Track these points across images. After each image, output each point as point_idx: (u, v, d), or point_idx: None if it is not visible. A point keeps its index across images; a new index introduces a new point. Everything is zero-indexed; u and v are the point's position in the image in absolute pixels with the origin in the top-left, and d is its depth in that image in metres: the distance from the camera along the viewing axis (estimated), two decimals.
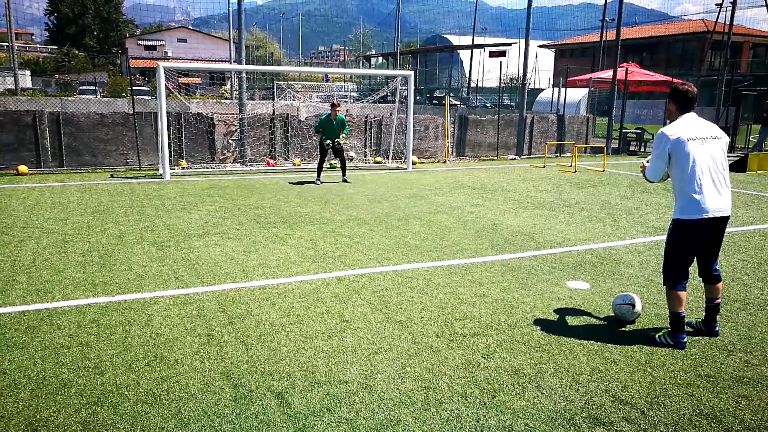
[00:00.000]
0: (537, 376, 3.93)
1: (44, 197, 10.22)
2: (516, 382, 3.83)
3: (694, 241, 4.35)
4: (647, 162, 4.56)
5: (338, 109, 12.69)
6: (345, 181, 12.78)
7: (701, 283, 4.69)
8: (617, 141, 20.26)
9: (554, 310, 5.12)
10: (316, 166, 13.14)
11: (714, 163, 4.28)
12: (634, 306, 4.83)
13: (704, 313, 4.65)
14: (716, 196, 4.26)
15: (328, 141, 12.52)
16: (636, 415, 3.45)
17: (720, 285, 4.58)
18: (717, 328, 4.61)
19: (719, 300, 4.57)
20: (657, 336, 4.49)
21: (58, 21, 75.06)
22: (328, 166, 15.11)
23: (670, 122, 4.47)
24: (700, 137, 4.28)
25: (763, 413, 3.50)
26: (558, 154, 19.31)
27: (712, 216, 4.25)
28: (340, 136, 12.66)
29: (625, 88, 20.77)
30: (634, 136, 20.67)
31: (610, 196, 11.21)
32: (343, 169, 12.97)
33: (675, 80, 23.24)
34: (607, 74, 21.39)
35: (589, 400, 3.62)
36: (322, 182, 12.57)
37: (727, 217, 4.37)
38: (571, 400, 3.61)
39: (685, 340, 4.41)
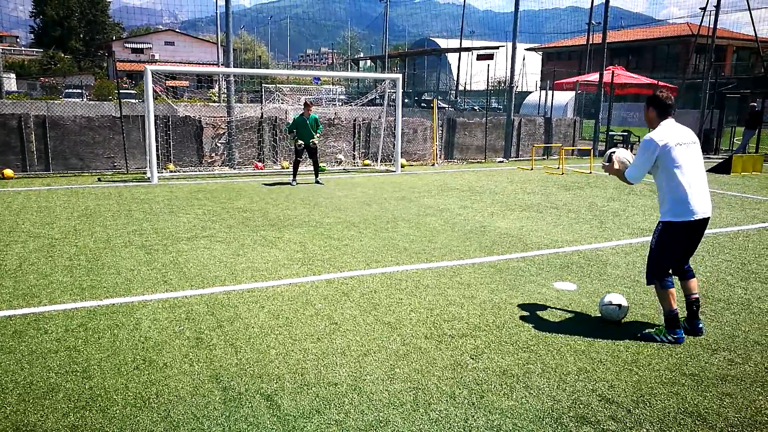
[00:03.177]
0: (525, 376, 3.96)
1: (30, 201, 10.14)
2: (504, 383, 3.86)
3: (684, 242, 4.50)
4: (608, 162, 4.75)
5: (311, 108, 12.70)
6: (317, 182, 12.83)
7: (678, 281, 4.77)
8: (604, 143, 20.43)
9: (541, 311, 5.16)
10: (305, 168, 13.15)
11: (698, 167, 4.45)
12: (620, 306, 4.88)
13: (686, 311, 4.72)
14: (702, 198, 4.42)
15: (301, 142, 12.58)
16: (622, 414, 3.50)
17: (695, 281, 4.73)
18: (701, 325, 4.68)
19: (697, 294, 4.69)
20: (654, 333, 4.57)
21: (44, 23, 74.43)
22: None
23: (651, 129, 4.58)
24: (684, 142, 4.43)
25: (747, 411, 3.56)
26: (545, 157, 19.44)
27: (701, 217, 4.40)
28: (314, 136, 12.66)
29: (612, 91, 20.96)
30: (621, 138, 20.85)
31: (597, 198, 11.31)
32: (316, 171, 13.03)
33: (660, 83, 23.53)
34: (594, 77, 21.58)
35: (576, 400, 3.66)
36: (297, 183, 12.58)
37: (709, 218, 4.50)
38: (558, 400, 3.65)
39: (683, 334, 4.52)
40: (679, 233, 4.43)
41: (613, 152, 4.83)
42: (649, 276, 4.62)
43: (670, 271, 4.59)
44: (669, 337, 4.50)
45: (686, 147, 4.41)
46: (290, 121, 12.99)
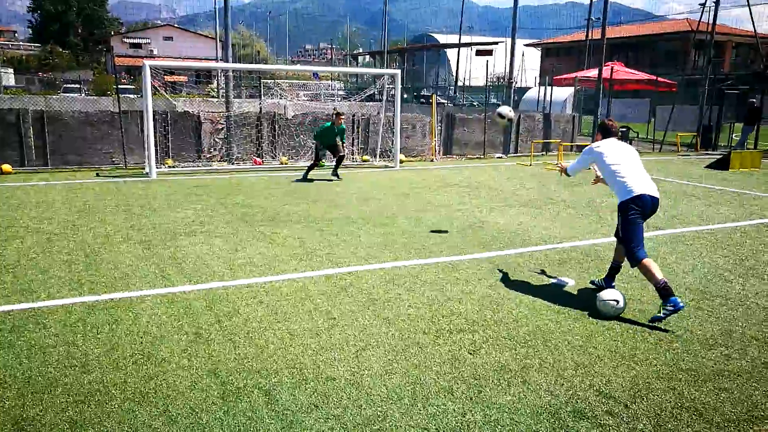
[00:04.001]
0: (522, 371, 3.98)
1: (29, 196, 10.13)
2: (502, 378, 3.88)
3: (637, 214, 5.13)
4: (563, 164, 6.04)
5: (341, 119, 12.79)
6: (336, 175, 12.86)
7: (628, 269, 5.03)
8: None
9: (539, 307, 5.17)
10: (305, 164, 13.15)
11: (633, 162, 5.30)
12: (618, 302, 4.90)
13: (607, 274, 5.63)
14: (641, 181, 5.16)
15: (325, 151, 12.80)
16: (619, 409, 3.51)
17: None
18: (614, 284, 5.48)
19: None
20: (657, 314, 4.73)
21: (42, 18, 74.15)
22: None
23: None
24: (620, 147, 5.44)
25: (743, 405, 3.57)
26: (544, 153, 19.44)
27: (641, 193, 5.08)
28: (337, 143, 12.80)
29: (611, 87, 20.95)
30: (620, 134, 20.85)
31: (595, 194, 11.32)
32: (338, 165, 13.00)
33: (660, 78, 23.50)
34: (593, 73, 21.55)
35: (574, 395, 3.67)
36: (310, 180, 12.62)
37: (651, 196, 5.14)
38: (555, 395, 3.67)
39: (680, 300, 4.71)
40: (633, 205, 5.09)
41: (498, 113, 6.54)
42: (632, 257, 4.98)
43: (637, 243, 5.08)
44: (669, 309, 4.64)
45: (620, 148, 5.37)
46: (320, 128, 13.13)
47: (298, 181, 12.56)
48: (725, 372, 4.00)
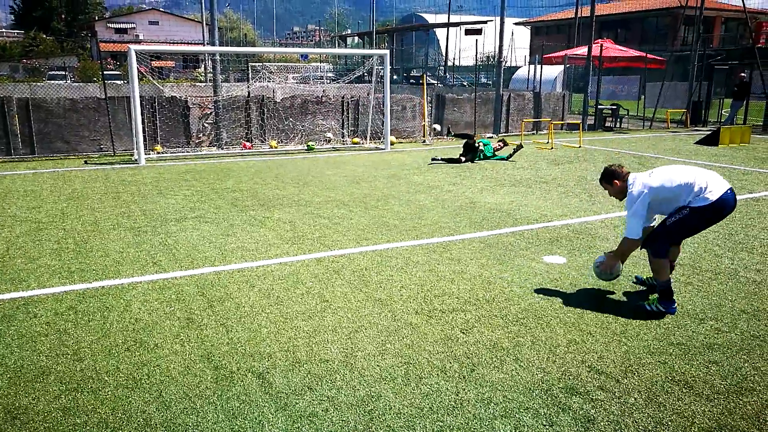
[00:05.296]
0: (515, 349, 4.00)
1: (15, 185, 10.03)
2: (494, 356, 3.90)
3: (703, 223, 4.59)
4: (600, 266, 4.92)
5: (497, 145, 13.30)
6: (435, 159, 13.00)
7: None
8: (593, 117, 20.43)
9: (531, 285, 5.19)
10: (294, 148, 13.04)
11: (686, 168, 4.62)
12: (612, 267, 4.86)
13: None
14: (714, 180, 4.50)
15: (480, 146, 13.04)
16: (611, 384, 3.55)
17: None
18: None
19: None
20: (647, 304, 4.64)
21: (24, 4, 72.83)
22: (307, 148, 15.05)
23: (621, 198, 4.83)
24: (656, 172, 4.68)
25: (733, 378, 3.61)
26: (535, 131, 19.42)
27: (721, 194, 4.44)
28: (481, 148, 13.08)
29: (600, 64, 20.88)
30: (610, 111, 20.85)
31: (586, 172, 11.34)
32: (452, 160, 12.88)
33: (649, 55, 23.45)
34: (582, 50, 21.47)
35: (566, 371, 3.70)
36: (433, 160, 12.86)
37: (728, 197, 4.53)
38: (548, 372, 3.69)
39: (675, 305, 4.61)
40: (709, 215, 4.46)
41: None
42: (657, 249, 4.57)
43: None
44: (662, 308, 4.55)
45: (658, 171, 4.65)
46: (482, 140, 13.54)
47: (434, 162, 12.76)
48: (715, 345, 4.04)
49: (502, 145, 13.33)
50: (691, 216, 4.46)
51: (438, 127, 13.02)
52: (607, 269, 4.88)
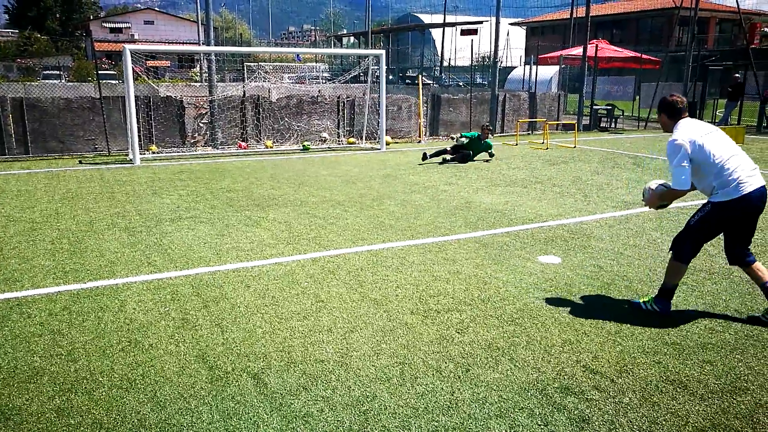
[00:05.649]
0: (510, 348, 4.00)
1: (9, 185, 9.98)
2: (489, 356, 3.90)
3: (733, 222, 4.36)
4: (647, 197, 4.62)
5: (487, 134, 12.96)
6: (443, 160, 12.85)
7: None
8: (588, 117, 20.47)
9: (526, 285, 5.20)
10: (289, 148, 13.00)
11: (731, 148, 4.36)
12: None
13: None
14: (749, 172, 4.30)
15: (463, 139, 12.89)
16: (606, 384, 3.55)
17: (759, 263, 4.49)
18: None
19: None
20: (642, 302, 4.63)
21: (18, 3, 72.51)
22: (302, 148, 15.03)
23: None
24: (708, 132, 4.36)
25: (726, 377, 3.63)
26: (530, 132, 19.45)
27: (755, 188, 4.25)
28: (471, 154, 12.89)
29: (596, 65, 20.93)
30: (605, 112, 20.90)
31: (581, 172, 11.36)
32: (451, 161, 12.80)
33: (644, 56, 23.51)
34: (578, 51, 21.52)
35: (561, 371, 3.70)
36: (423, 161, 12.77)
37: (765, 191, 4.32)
38: (543, 372, 3.70)
39: (670, 308, 4.56)
40: (730, 212, 4.27)
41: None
42: (680, 252, 4.46)
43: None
44: (657, 307, 4.53)
45: (710, 135, 4.32)
46: (466, 134, 13.36)
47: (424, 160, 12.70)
48: (709, 345, 4.05)
49: (488, 133, 13.06)
50: (713, 212, 4.27)
51: (465, 139, 12.84)
52: (650, 202, 4.67)
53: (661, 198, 4.60)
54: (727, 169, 4.21)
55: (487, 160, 12.94)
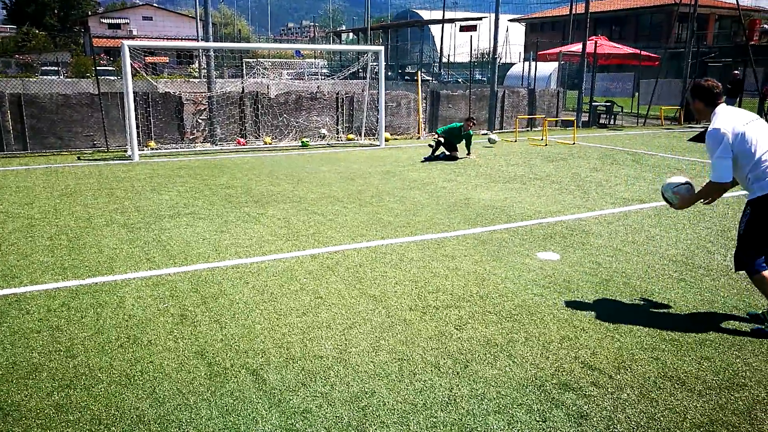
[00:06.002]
0: (508, 345, 4.01)
1: (8, 181, 9.97)
2: (488, 352, 3.91)
3: None
4: (676, 201, 4.41)
5: (470, 124, 12.88)
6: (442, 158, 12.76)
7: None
8: (587, 114, 20.46)
9: (525, 281, 5.21)
10: (288, 144, 13.00)
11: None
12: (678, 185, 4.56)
13: None
14: None
15: (441, 139, 12.69)
16: (604, 380, 3.56)
17: None
18: None
19: None
20: (765, 327, 4.17)
21: None
22: (301, 144, 15.02)
23: (704, 120, 4.32)
24: (749, 121, 4.11)
25: (724, 373, 3.64)
26: (529, 128, 19.44)
27: None
28: (457, 147, 12.82)
29: (595, 61, 20.91)
30: (604, 108, 20.89)
31: (580, 169, 11.36)
32: (447, 158, 12.76)
33: (643, 52, 23.50)
34: (577, 47, 21.50)
35: (559, 367, 3.71)
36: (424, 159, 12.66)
37: None
38: (541, 368, 3.70)
39: None
40: (761, 210, 4.02)
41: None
42: (745, 264, 4.14)
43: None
44: None
45: (751, 124, 4.07)
46: (440, 129, 13.26)
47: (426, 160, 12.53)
48: (707, 341, 4.06)
49: (471, 124, 12.97)
50: (756, 212, 4.02)
51: (497, 138, 12.59)
52: (683, 204, 4.45)
53: (693, 199, 4.39)
54: (764, 162, 3.97)
55: (468, 155, 12.90)
